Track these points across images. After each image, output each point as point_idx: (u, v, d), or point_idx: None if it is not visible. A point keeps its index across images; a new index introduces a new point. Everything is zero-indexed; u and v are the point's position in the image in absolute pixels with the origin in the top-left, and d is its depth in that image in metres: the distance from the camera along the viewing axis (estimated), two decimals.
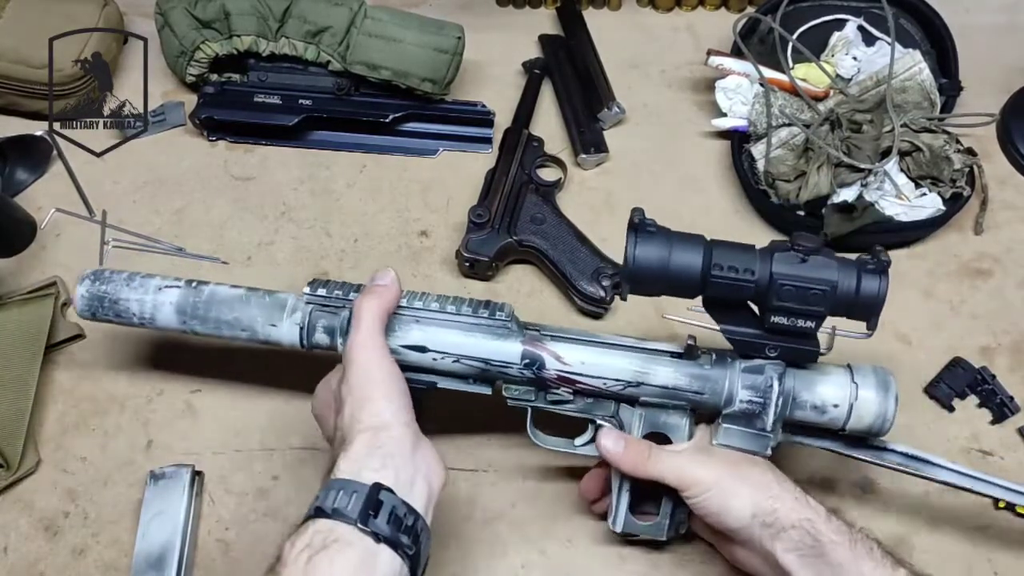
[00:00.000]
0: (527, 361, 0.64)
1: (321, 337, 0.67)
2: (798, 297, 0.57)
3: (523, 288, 0.86)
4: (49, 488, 0.74)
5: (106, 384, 0.79)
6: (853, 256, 0.60)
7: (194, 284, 0.69)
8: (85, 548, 0.71)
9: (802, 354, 0.62)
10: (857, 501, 0.73)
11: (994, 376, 0.79)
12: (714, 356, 0.64)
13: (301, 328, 0.67)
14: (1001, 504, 0.72)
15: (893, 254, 0.88)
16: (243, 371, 0.80)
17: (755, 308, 0.62)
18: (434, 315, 0.65)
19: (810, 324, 0.59)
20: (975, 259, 0.88)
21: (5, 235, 0.80)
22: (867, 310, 0.59)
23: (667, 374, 0.63)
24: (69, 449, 0.76)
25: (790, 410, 0.62)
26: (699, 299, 0.62)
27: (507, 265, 0.87)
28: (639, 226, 0.60)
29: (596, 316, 0.84)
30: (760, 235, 0.90)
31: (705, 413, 0.65)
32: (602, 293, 0.82)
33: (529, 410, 0.67)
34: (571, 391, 0.65)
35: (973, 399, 0.79)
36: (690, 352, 0.63)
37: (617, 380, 0.63)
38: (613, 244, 0.87)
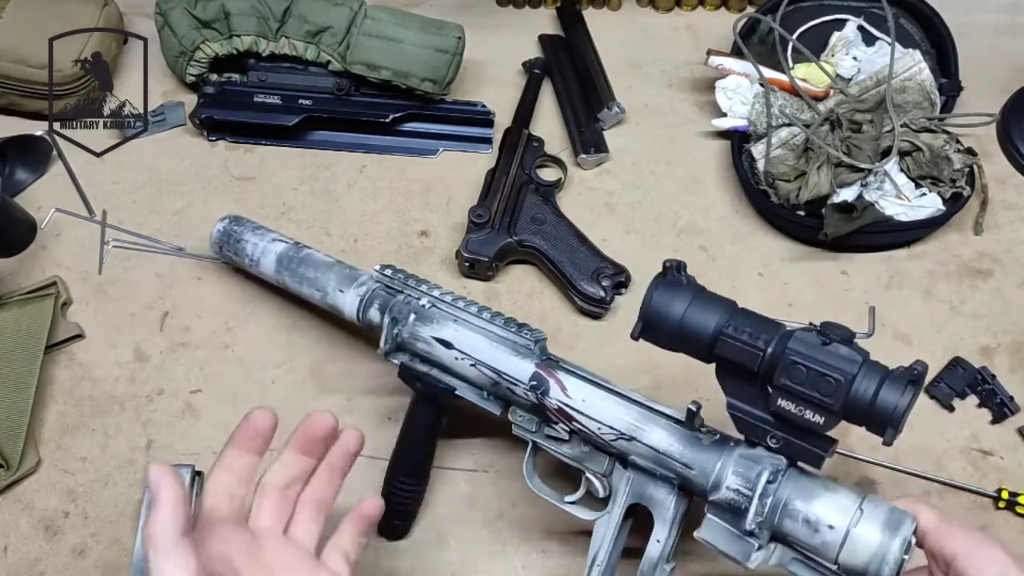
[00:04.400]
0: (534, 383, 0.63)
1: (374, 313, 0.71)
2: (808, 380, 0.52)
3: (523, 288, 0.86)
4: (49, 488, 0.74)
5: (106, 384, 0.79)
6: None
7: (300, 245, 0.78)
8: (85, 548, 0.71)
9: (805, 453, 0.55)
10: None
11: (994, 376, 0.79)
12: (717, 436, 0.59)
13: (361, 300, 0.72)
14: (1001, 504, 0.72)
15: (893, 254, 0.88)
16: (243, 371, 0.80)
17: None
18: (471, 318, 0.67)
19: (819, 419, 0.53)
20: (975, 259, 0.88)
21: (5, 235, 0.80)
22: (885, 418, 0.51)
23: (660, 436, 0.59)
24: (69, 449, 0.76)
25: (779, 517, 0.54)
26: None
27: (507, 265, 0.87)
28: (669, 271, 0.59)
29: (596, 316, 0.84)
30: (760, 235, 0.90)
31: (694, 494, 0.60)
32: (602, 293, 0.82)
33: (529, 445, 0.66)
34: (568, 429, 0.63)
35: (973, 399, 0.79)
36: (690, 417, 0.58)
37: (611, 428, 0.60)
38: (613, 244, 0.87)
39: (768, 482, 0.54)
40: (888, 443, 0.52)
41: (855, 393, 0.51)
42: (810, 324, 0.55)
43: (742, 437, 0.58)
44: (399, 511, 0.70)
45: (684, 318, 0.56)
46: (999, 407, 0.77)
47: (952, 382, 0.79)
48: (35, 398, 0.75)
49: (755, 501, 0.54)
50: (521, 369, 0.64)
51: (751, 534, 0.54)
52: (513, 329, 0.65)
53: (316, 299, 0.75)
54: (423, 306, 0.69)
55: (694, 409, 0.57)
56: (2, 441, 0.73)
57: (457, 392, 0.68)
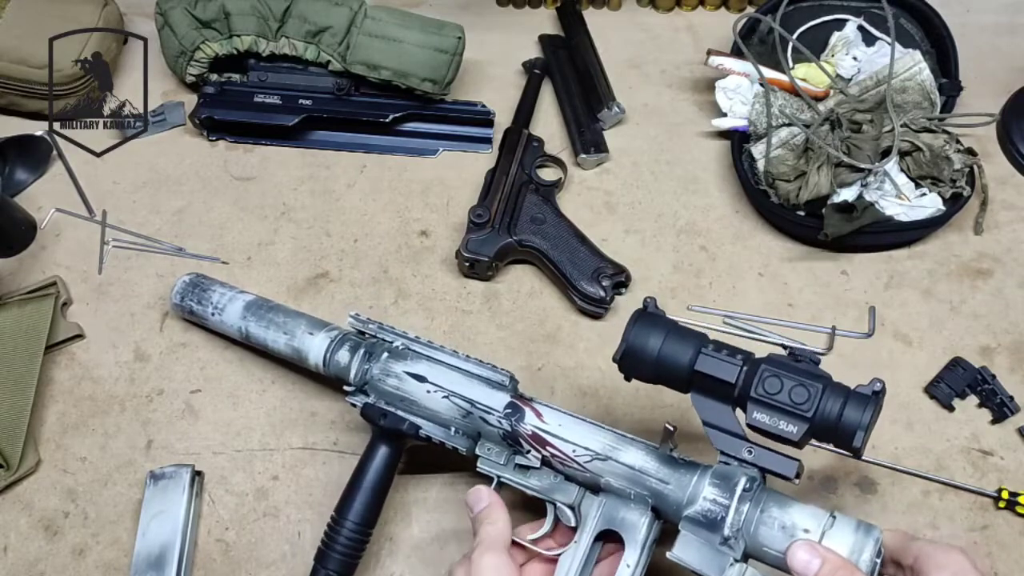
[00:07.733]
0: (508, 411, 0.64)
1: (343, 355, 0.70)
2: (783, 391, 0.56)
3: (523, 288, 0.86)
4: (49, 488, 0.74)
5: (106, 384, 0.80)
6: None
7: (269, 299, 0.78)
8: (85, 548, 0.71)
9: (779, 463, 0.57)
10: (857, 501, 0.73)
11: (994, 376, 0.79)
12: (691, 459, 0.61)
13: (332, 341, 0.71)
14: (1001, 504, 0.72)
15: (893, 254, 0.88)
16: (243, 371, 0.80)
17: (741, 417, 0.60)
18: (445, 357, 0.68)
19: (792, 429, 0.56)
20: (975, 259, 0.88)
21: (5, 235, 0.80)
22: (852, 426, 0.55)
23: (636, 455, 0.60)
24: (69, 449, 0.76)
25: (755, 526, 0.55)
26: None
27: (507, 265, 0.87)
28: (648, 307, 0.63)
29: (596, 316, 0.84)
30: (760, 235, 0.90)
31: (667, 516, 0.60)
32: (602, 293, 0.82)
33: (494, 483, 0.65)
34: (540, 457, 0.63)
35: (973, 399, 0.79)
36: (666, 436, 0.59)
37: (587, 449, 0.61)
38: (613, 244, 0.87)
39: (745, 489, 0.56)
40: (858, 457, 0.56)
41: (823, 408, 0.55)
42: (782, 346, 0.58)
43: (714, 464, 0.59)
44: (344, 564, 0.66)
45: (663, 348, 0.60)
46: (999, 407, 0.77)
47: (952, 382, 0.79)
48: (35, 398, 0.75)
49: (733, 507, 0.56)
50: (496, 399, 0.65)
51: (726, 543, 0.55)
52: (488, 367, 0.67)
53: (280, 343, 0.74)
54: (397, 347, 0.69)
55: (671, 429, 0.59)
56: (2, 441, 0.73)
57: (422, 431, 0.67)
